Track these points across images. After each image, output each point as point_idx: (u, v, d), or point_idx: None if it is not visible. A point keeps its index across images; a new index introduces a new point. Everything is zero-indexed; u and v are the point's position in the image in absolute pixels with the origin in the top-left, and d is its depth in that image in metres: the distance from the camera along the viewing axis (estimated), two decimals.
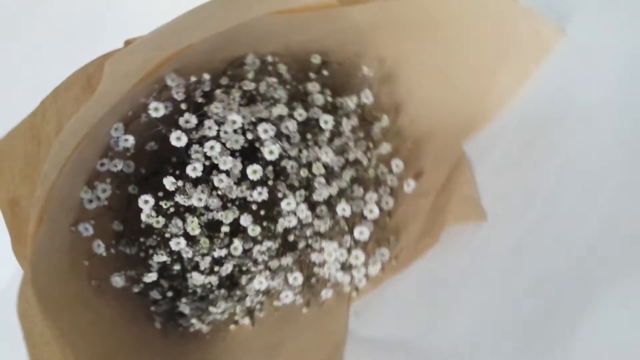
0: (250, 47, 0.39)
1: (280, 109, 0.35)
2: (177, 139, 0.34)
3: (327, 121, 0.37)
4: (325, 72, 0.41)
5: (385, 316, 0.37)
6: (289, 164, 0.38)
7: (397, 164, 0.40)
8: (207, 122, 0.34)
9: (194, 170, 0.34)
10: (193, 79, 0.36)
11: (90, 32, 0.59)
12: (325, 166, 0.38)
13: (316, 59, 0.41)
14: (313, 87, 0.40)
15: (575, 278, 0.30)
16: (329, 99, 0.40)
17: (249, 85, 0.36)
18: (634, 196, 0.30)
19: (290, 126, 0.38)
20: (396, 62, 0.43)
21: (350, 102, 0.40)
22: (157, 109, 0.34)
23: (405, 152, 0.43)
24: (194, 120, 0.34)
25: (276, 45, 0.40)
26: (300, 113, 0.38)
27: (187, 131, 0.34)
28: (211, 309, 0.41)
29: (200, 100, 0.36)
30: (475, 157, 0.39)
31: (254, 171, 0.35)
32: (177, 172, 0.37)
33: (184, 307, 0.41)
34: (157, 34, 0.30)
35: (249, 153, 0.37)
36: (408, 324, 0.36)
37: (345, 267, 0.38)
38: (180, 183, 0.35)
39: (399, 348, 0.35)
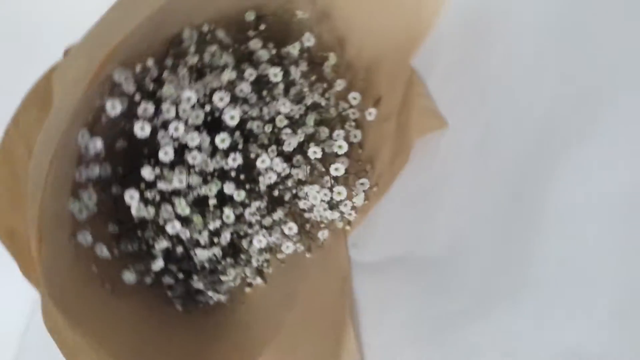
0: (184, 22, 0.40)
1: (228, 74, 0.37)
2: (141, 129, 0.35)
3: (276, 74, 0.38)
4: (262, 26, 0.42)
5: (379, 240, 0.40)
6: (253, 125, 0.39)
7: (354, 97, 0.42)
8: (164, 106, 0.35)
9: (166, 154, 0.36)
10: (139, 68, 0.37)
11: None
12: (288, 117, 0.39)
13: (250, 16, 0.42)
14: (255, 44, 0.41)
15: (536, 154, 0.32)
16: (273, 51, 0.41)
17: (193, 59, 0.37)
18: (574, 70, 0.32)
19: (244, 88, 0.39)
20: None
21: (294, 50, 0.41)
22: (114, 107, 0.35)
23: (360, 83, 0.45)
24: (151, 107, 0.35)
25: (208, 13, 0.41)
26: (250, 73, 0.39)
27: (148, 119, 0.35)
28: (223, 278, 0.43)
29: (152, 87, 0.37)
30: (423, 71, 0.41)
31: (222, 140, 0.37)
32: (152, 161, 0.38)
33: (198, 283, 0.44)
34: (92, 34, 0.31)
35: (213, 124, 0.38)
36: (400, 242, 0.38)
37: (332, 205, 0.41)
38: (157, 171, 0.37)
39: (398, 265, 0.37)
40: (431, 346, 0.34)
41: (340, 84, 0.43)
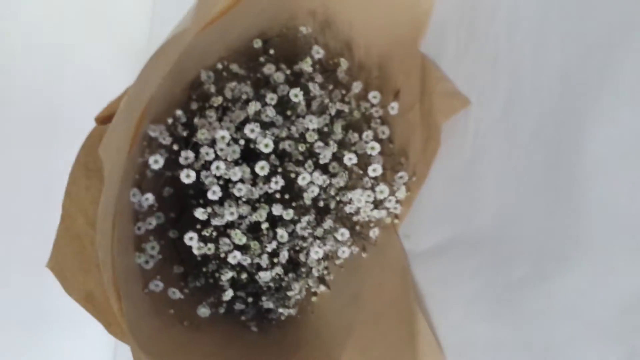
0: (199, 66, 0.42)
1: (253, 106, 0.38)
2: (187, 177, 0.37)
3: (296, 94, 0.40)
4: (271, 51, 0.43)
5: (429, 226, 0.41)
6: (285, 145, 0.41)
7: (374, 96, 0.43)
8: (203, 150, 0.37)
9: (214, 193, 0.38)
10: (170, 120, 0.39)
11: None
12: (317, 130, 0.41)
13: (257, 43, 0.44)
14: (269, 69, 0.43)
15: (560, 110, 0.33)
16: (288, 71, 0.43)
17: (217, 100, 0.39)
18: (579, 24, 0.33)
19: (269, 112, 0.41)
20: (326, 9, 0.45)
21: (306, 65, 0.42)
22: (157, 161, 0.37)
23: (376, 80, 0.46)
24: (191, 154, 0.37)
25: (219, 51, 0.43)
26: (271, 97, 0.41)
27: (190, 166, 0.38)
28: (289, 293, 0.45)
29: (185, 133, 0.40)
30: (434, 55, 0.42)
31: (262, 167, 0.38)
32: (201, 201, 0.40)
33: (267, 303, 0.46)
34: (124, 104, 0.33)
35: (250, 154, 0.40)
36: (449, 223, 0.39)
37: (377, 204, 0.42)
38: (209, 209, 0.39)
39: (452, 246, 0.39)
40: (501, 317, 0.35)
41: (357, 86, 0.44)
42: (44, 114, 0.78)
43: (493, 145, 0.37)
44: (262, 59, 0.44)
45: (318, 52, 0.43)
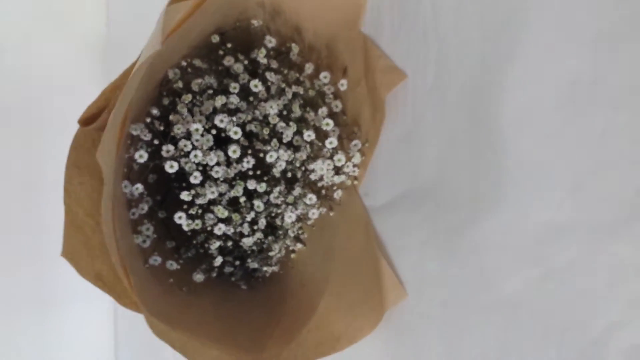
0: (166, 66, 0.47)
1: (220, 100, 0.44)
2: (171, 167, 0.43)
3: (256, 85, 0.45)
4: (229, 45, 0.48)
5: (383, 185, 0.48)
6: (252, 127, 0.47)
7: (324, 75, 0.49)
8: (180, 143, 0.43)
9: (196, 178, 0.44)
10: (148, 119, 0.44)
11: None
12: (277, 113, 0.47)
13: (215, 38, 0.49)
14: (228, 61, 0.48)
15: (481, 75, 0.39)
16: (246, 62, 0.48)
17: (187, 97, 0.44)
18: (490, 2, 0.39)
19: (233, 100, 0.46)
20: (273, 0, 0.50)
21: (261, 54, 0.48)
22: (141, 156, 0.43)
23: (325, 60, 0.51)
24: (171, 147, 0.43)
25: (182, 50, 0.48)
26: (233, 86, 0.46)
27: (172, 157, 0.43)
28: (270, 253, 0.52)
29: (161, 128, 0.45)
30: (373, 36, 0.47)
31: (234, 151, 0.44)
32: (184, 184, 0.46)
33: (252, 264, 0.53)
34: (115, 112, 0.38)
35: (222, 138, 0.46)
36: (400, 181, 0.46)
37: (337, 170, 0.48)
38: (193, 192, 0.45)
39: (404, 200, 0.46)
40: (448, 254, 0.43)
41: (309, 67, 0.50)
42: (19, 113, 0.82)
43: (428, 112, 0.44)
44: (221, 52, 0.49)
45: (270, 41, 0.49)
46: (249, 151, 0.46)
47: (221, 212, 0.46)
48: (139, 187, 0.45)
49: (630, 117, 0.33)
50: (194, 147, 0.43)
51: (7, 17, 0.82)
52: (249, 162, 0.45)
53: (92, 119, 0.46)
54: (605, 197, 0.34)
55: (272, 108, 0.45)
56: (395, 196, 0.47)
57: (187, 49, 0.48)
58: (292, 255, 0.54)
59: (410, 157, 0.46)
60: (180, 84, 0.47)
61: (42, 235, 0.81)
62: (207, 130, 0.44)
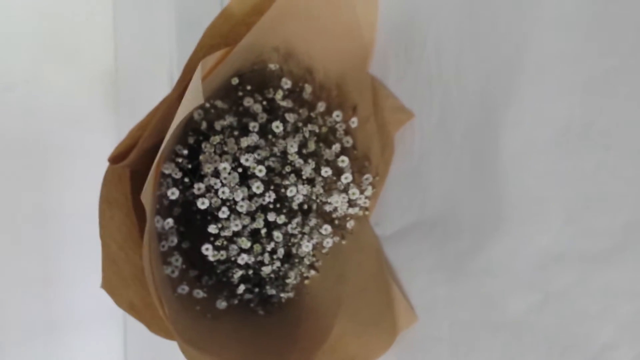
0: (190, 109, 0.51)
1: (246, 141, 0.48)
2: (202, 204, 0.46)
3: (277, 126, 0.49)
4: (247, 87, 0.53)
5: (392, 215, 0.52)
6: (270, 162, 0.51)
7: (337, 114, 0.53)
8: (211, 181, 0.47)
9: (223, 213, 0.47)
10: (178, 159, 0.48)
11: None
12: (297, 151, 0.51)
13: (235, 81, 0.53)
14: (247, 101, 0.52)
15: (482, 117, 0.44)
16: (264, 103, 0.52)
17: (215, 139, 0.48)
18: (490, 51, 0.44)
19: (253, 138, 0.50)
20: (286, 43, 0.54)
21: (278, 96, 0.52)
22: (174, 193, 0.47)
23: (336, 99, 0.56)
24: (202, 185, 0.47)
25: (206, 94, 0.51)
26: (253, 125, 0.51)
27: (203, 195, 0.47)
28: (287, 280, 0.56)
29: (189, 166, 0.49)
30: (381, 77, 0.52)
31: (257, 187, 0.48)
32: (209, 217, 0.50)
33: (270, 290, 0.56)
34: (159, 156, 0.42)
35: (246, 175, 0.50)
36: (408, 212, 0.50)
37: (350, 202, 0.52)
38: (219, 225, 0.48)
39: (412, 230, 0.50)
40: (455, 279, 0.47)
41: (321, 106, 0.54)
42: (31, 146, 0.86)
43: (434, 148, 0.48)
44: (240, 93, 0.53)
45: (286, 83, 0.53)
46: (271, 186, 0.49)
47: (244, 243, 0.50)
48: (170, 222, 0.48)
49: (618, 157, 0.37)
50: (223, 184, 0.47)
51: (17, 53, 0.85)
52: (270, 196, 0.49)
53: (121, 157, 0.50)
54: (597, 229, 0.38)
55: (292, 147, 0.49)
56: (405, 226, 0.51)
57: (210, 92, 0.52)
58: (307, 282, 0.58)
59: (417, 190, 0.50)
60: (204, 125, 0.51)
61: (51, 262, 0.84)
62: (234, 169, 0.48)
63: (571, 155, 0.39)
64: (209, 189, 0.48)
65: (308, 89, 0.54)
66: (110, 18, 0.96)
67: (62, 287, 0.87)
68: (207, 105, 0.51)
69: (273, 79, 0.55)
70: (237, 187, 0.48)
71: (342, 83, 0.55)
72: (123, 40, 1.00)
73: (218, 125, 0.51)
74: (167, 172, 0.47)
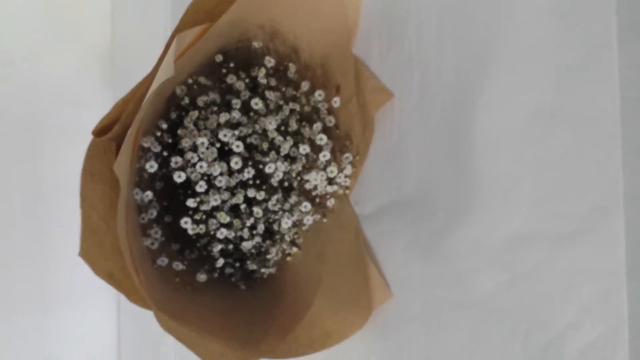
0: (174, 84, 0.51)
1: (224, 116, 0.48)
2: (179, 177, 0.47)
3: (256, 103, 0.50)
4: (231, 64, 0.53)
5: (371, 195, 0.52)
6: (252, 139, 0.51)
7: (319, 94, 0.53)
8: (188, 155, 0.47)
9: (201, 187, 0.48)
10: (158, 133, 0.49)
11: None
12: (276, 128, 0.51)
13: (219, 58, 0.53)
14: (231, 79, 0.53)
15: (458, 99, 0.44)
16: (247, 80, 0.53)
17: (194, 114, 0.49)
18: (467, 36, 0.44)
19: (235, 115, 0.51)
20: (272, 21, 0.54)
21: (261, 74, 0.52)
22: (152, 166, 0.47)
23: (320, 78, 0.56)
24: (179, 159, 0.47)
25: (189, 69, 0.52)
26: (235, 102, 0.51)
27: (180, 168, 0.48)
28: (268, 256, 0.57)
29: (170, 140, 0.49)
30: (364, 57, 0.52)
31: (236, 162, 0.49)
32: (189, 191, 0.50)
33: (251, 265, 0.57)
34: (131, 128, 0.43)
35: (224, 150, 0.50)
36: (386, 192, 0.51)
37: (330, 180, 0.53)
38: (197, 199, 0.49)
39: (389, 209, 0.50)
40: (427, 258, 0.47)
41: (305, 85, 0.54)
42: (27, 123, 0.87)
43: (412, 129, 0.48)
44: (224, 70, 0.53)
45: (270, 62, 0.53)
46: (250, 162, 0.50)
47: (223, 217, 0.50)
48: (149, 194, 0.49)
49: (586, 142, 0.37)
50: (200, 159, 0.48)
51: (16, 30, 0.86)
52: (249, 173, 0.50)
53: (105, 130, 0.50)
54: (564, 212, 0.38)
55: (270, 124, 0.49)
56: (383, 205, 0.51)
57: (193, 68, 0.52)
58: (288, 258, 0.58)
59: (395, 170, 0.50)
60: (186, 100, 0.51)
61: (44, 237, 0.86)
62: (212, 144, 0.48)
63: (541, 139, 0.40)
64: (187, 163, 0.48)
65: (292, 68, 0.54)
66: None
67: (56, 261, 0.89)
68: (190, 81, 0.52)
69: (258, 57, 0.55)
70: (215, 162, 0.48)
71: (326, 63, 0.55)
72: (120, 18, 1.00)
73: (200, 102, 0.51)
74: (146, 145, 0.48)
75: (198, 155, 0.48)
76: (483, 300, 0.43)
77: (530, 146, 0.40)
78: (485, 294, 0.43)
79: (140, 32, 0.93)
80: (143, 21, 0.91)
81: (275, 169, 0.51)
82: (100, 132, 0.50)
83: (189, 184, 0.50)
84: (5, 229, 0.85)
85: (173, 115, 0.52)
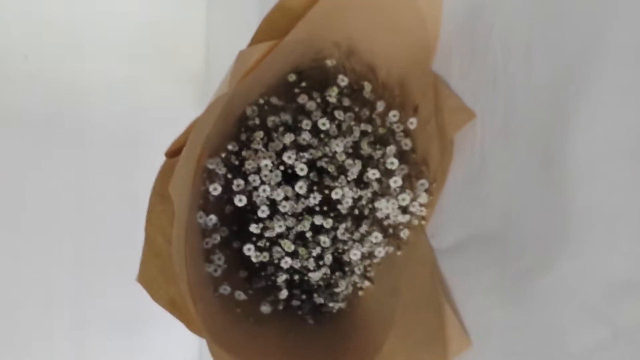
0: (244, 104, 0.50)
1: (288, 137, 0.46)
2: (240, 201, 0.45)
3: (324, 123, 0.46)
4: (303, 84, 0.50)
5: (449, 226, 0.47)
6: (322, 162, 0.48)
7: (393, 114, 0.49)
8: (251, 177, 0.45)
9: (263, 212, 0.46)
10: (223, 154, 0.47)
11: None
12: (345, 150, 0.48)
13: (292, 77, 0.51)
14: (302, 99, 0.50)
15: (549, 119, 0.38)
16: (319, 100, 0.50)
17: (258, 134, 0.47)
18: (560, 45, 0.38)
19: (305, 136, 0.48)
20: (348, 39, 0.51)
21: (333, 93, 0.49)
22: (215, 189, 0.46)
23: (397, 98, 0.52)
24: (242, 182, 0.45)
25: (260, 89, 0.50)
26: (306, 123, 0.48)
27: (242, 191, 0.46)
28: (337, 290, 0.53)
29: (237, 162, 0.48)
30: (443, 74, 0.47)
31: (300, 187, 0.46)
32: (256, 216, 0.48)
33: (319, 299, 0.53)
34: (185, 150, 0.41)
35: (291, 174, 0.48)
36: (466, 224, 0.45)
37: (403, 209, 0.48)
38: (261, 224, 0.47)
39: (469, 244, 0.45)
40: (512, 303, 0.41)
41: (380, 105, 0.51)
42: (125, 143, 0.90)
43: (496, 152, 0.43)
44: (296, 90, 0.51)
45: (343, 80, 0.50)
46: (315, 187, 0.47)
47: (288, 245, 0.47)
48: (213, 218, 0.47)
49: None
50: (263, 182, 0.45)
51: (117, 58, 0.90)
52: (315, 198, 0.46)
53: (178, 152, 0.50)
54: None
55: (337, 146, 0.46)
56: (462, 238, 0.46)
57: (264, 87, 0.50)
58: (360, 293, 0.54)
59: (476, 200, 0.45)
60: (257, 121, 0.49)
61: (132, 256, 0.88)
62: (277, 166, 0.46)
63: None
64: (249, 186, 0.46)
65: (368, 87, 0.51)
66: (202, 19, 0.99)
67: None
68: (262, 101, 0.50)
69: (333, 77, 0.52)
70: (279, 186, 0.46)
71: (405, 81, 0.51)
72: (214, 40, 1.02)
73: (269, 122, 0.49)
74: (210, 166, 0.46)
75: (261, 178, 0.45)
76: (578, 359, 0.36)
77: (635, 172, 0.33)
78: (581, 351, 0.36)
79: (234, 55, 0.94)
80: (236, 44, 0.92)
81: (343, 195, 0.47)
82: (173, 153, 0.50)
83: (255, 209, 0.48)
84: (102, 248, 0.88)
85: (243, 137, 0.50)
